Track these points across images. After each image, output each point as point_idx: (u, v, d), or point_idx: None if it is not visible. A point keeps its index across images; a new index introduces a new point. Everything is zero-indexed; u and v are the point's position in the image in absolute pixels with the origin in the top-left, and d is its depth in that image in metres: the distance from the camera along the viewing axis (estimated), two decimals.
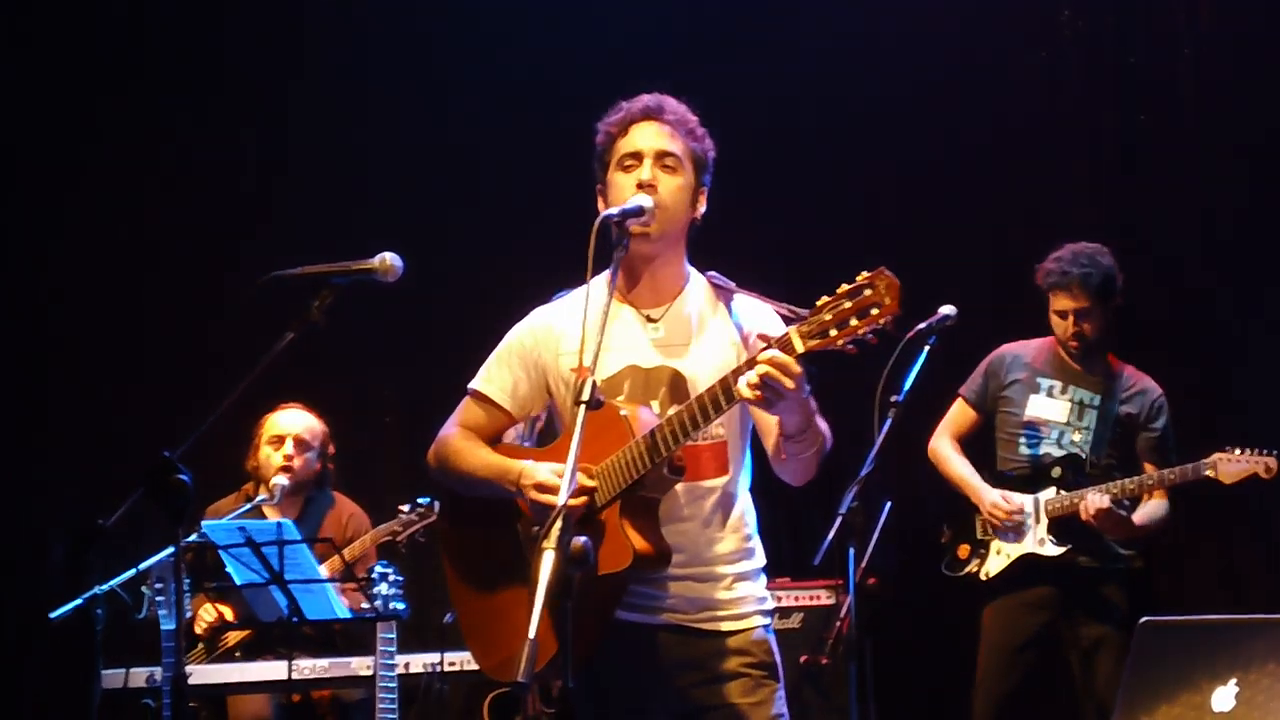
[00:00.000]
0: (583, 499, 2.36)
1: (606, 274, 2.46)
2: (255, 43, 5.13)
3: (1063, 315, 4.05)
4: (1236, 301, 4.62)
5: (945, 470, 4.19)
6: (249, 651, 4.15)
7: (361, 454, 4.88)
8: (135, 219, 5.04)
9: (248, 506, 4.19)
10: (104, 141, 5.06)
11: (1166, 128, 4.78)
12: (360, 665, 3.95)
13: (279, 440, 4.33)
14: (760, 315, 2.53)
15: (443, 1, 5.15)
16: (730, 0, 5.05)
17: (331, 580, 3.92)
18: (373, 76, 5.18)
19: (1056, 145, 4.89)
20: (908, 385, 3.57)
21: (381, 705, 3.77)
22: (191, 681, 3.83)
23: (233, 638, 4.16)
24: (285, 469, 4.27)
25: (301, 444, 4.33)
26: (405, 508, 4.25)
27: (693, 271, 2.61)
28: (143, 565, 3.73)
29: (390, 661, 3.80)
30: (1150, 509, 4.01)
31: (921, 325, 3.67)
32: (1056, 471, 4.03)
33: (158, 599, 3.74)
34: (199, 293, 4.97)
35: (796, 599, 4.43)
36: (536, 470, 2.43)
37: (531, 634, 2.05)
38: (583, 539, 2.12)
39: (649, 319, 2.56)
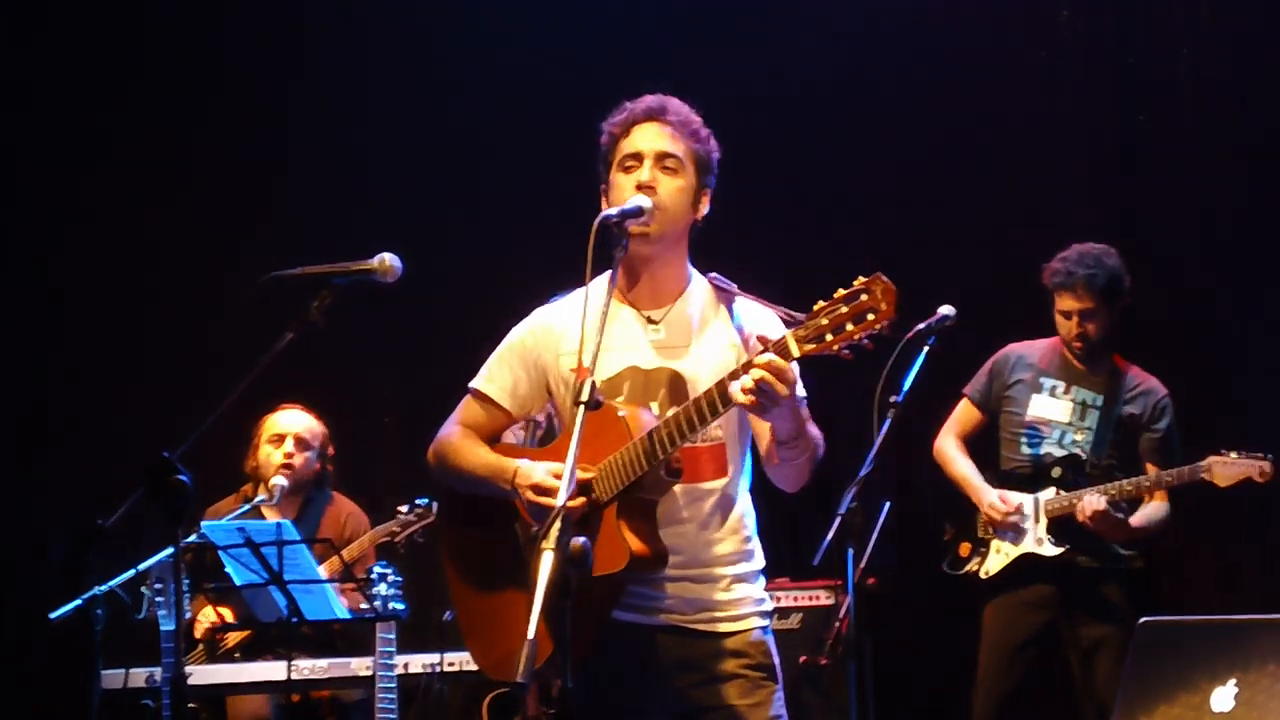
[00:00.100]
0: (580, 500, 2.36)
1: (608, 274, 2.46)
2: (255, 43, 5.13)
3: (1067, 315, 4.06)
4: (1236, 302, 4.61)
5: (948, 470, 4.20)
6: (248, 652, 4.16)
7: (361, 454, 4.88)
8: (135, 219, 5.04)
9: (246, 507, 4.19)
10: (103, 141, 5.06)
11: (1166, 128, 4.78)
12: (359, 666, 3.95)
13: (279, 439, 4.33)
14: (761, 318, 2.54)
15: (443, 1, 5.15)
16: (730, 0, 5.05)
17: (330, 581, 3.92)
18: (373, 76, 5.18)
19: (1056, 145, 4.88)
20: (907, 386, 3.58)
21: (381, 705, 3.77)
22: (191, 682, 3.83)
23: (232, 638, 4.16)
24: (285, 468, 4.27)
25: (301, 443, 4.33)
26: (404, 508, 4.25)
27: (695, 273, 2.61)
28: (142, 566, 3.73)
29: (389, 662, 3.80)
30: (1149, 511, 4.01)
31: (921, 325, 3.67)
32: (1056, 471, 4.03)
33: (157, 599, 3.74)
34: (199, 293, 4.97)
35: (796, 599, 4.43)
36: (533, 471, 2.43)
37: (531, 634, 2.05)
38: (581, 539, 2.12)
39: (649, 320, 2.56)
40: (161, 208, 5.04)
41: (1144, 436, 4.04)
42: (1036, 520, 4.02)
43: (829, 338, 2.22)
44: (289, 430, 4.35)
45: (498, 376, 2.63)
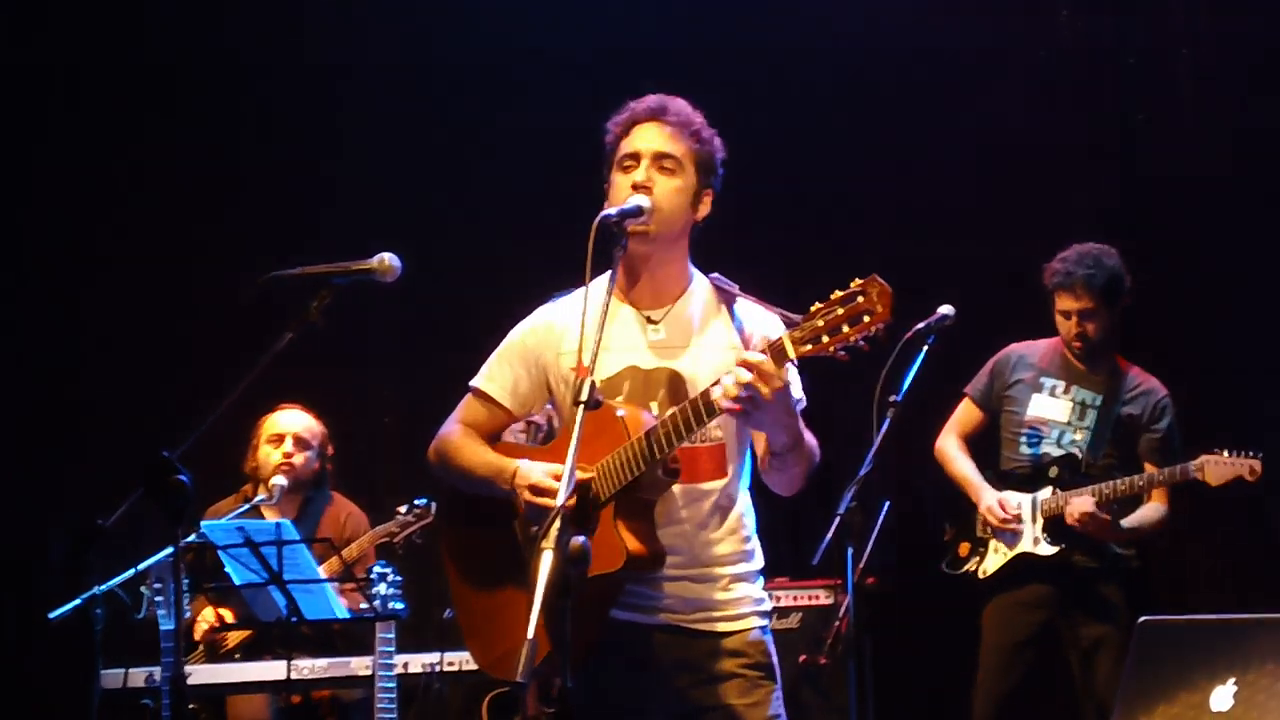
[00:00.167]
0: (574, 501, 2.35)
1: (609, 274, 2.46)
2: (256, 42, 5.13)
3: (1066, 315, 4.06)
4: (1236, 301, 4.61)
5: (949, 469, 4.20)
6: (248, 652, 4.16)
7: (360, 455, 4.88)
8: (135, 219, 5.04)
9: (246, 507, 4.19)
10: (102, 141, 5.06)
11: (1166, 127, 4.78)
12: (359, 665, 3.95)
13: (278, 439, 4.34)
14: (762, 320, 2.53)
15: (444, 1, 5.15)
16: (730, 0, 5.05)
17: (330, 580, 3.92)
18: (373, 77, 5.18)
19: (1056, 144, 4.89)
20: (906, 385, 3.58)
21: (380, 705, 3.77)
22: (191, 682, 3.83)
23: (232, 638, 4.16)
24: (285, 467, 4.27)
25: (301, 442, 4.34)
26: (402, 509, 4.25)
27: (696, 273, 2.61)
28: (142, 565, 3.73)
29: (389, 661, 3.80)
30: (1144, 512, 4.01)
31: (920, 325, 3.67)
32: (1053, 471, 4.04)
33: (157, 599, 3.74)
34: (199, 292, 4.97)
35: (795, 599, 4.43)
36: (531, 471, 2.43)
37: (530, 633, 2.06)
38: (581, 539, 2.13)
39: (649, 320, 2.56)
40: (161, 207, 5.04)
41: (1143, 437, 4.05)
42: (1034, 520, 4.03)
43: (825, 339, 2.22)
44: (288, 430, 4.35)
45: (498, 375, 2.63)
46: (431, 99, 5.11)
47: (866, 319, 2.19)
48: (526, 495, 2.43)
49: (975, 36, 4.90)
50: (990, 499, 4.05)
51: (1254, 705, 2.16)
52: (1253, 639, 2.22)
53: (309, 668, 3.95)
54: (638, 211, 2.47)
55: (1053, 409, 4.09)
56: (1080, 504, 3.91)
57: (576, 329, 2.42)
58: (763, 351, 2.28)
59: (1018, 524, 4.02)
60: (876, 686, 3.53)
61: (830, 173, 4.95)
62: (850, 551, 3.44)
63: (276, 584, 3.71)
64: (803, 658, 4.21)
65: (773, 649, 2.56)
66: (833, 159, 4.94)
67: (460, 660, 3.94)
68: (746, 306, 2.56)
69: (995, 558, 4.09)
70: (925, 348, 3.63)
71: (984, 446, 4.24)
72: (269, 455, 4.32)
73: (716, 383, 2.31)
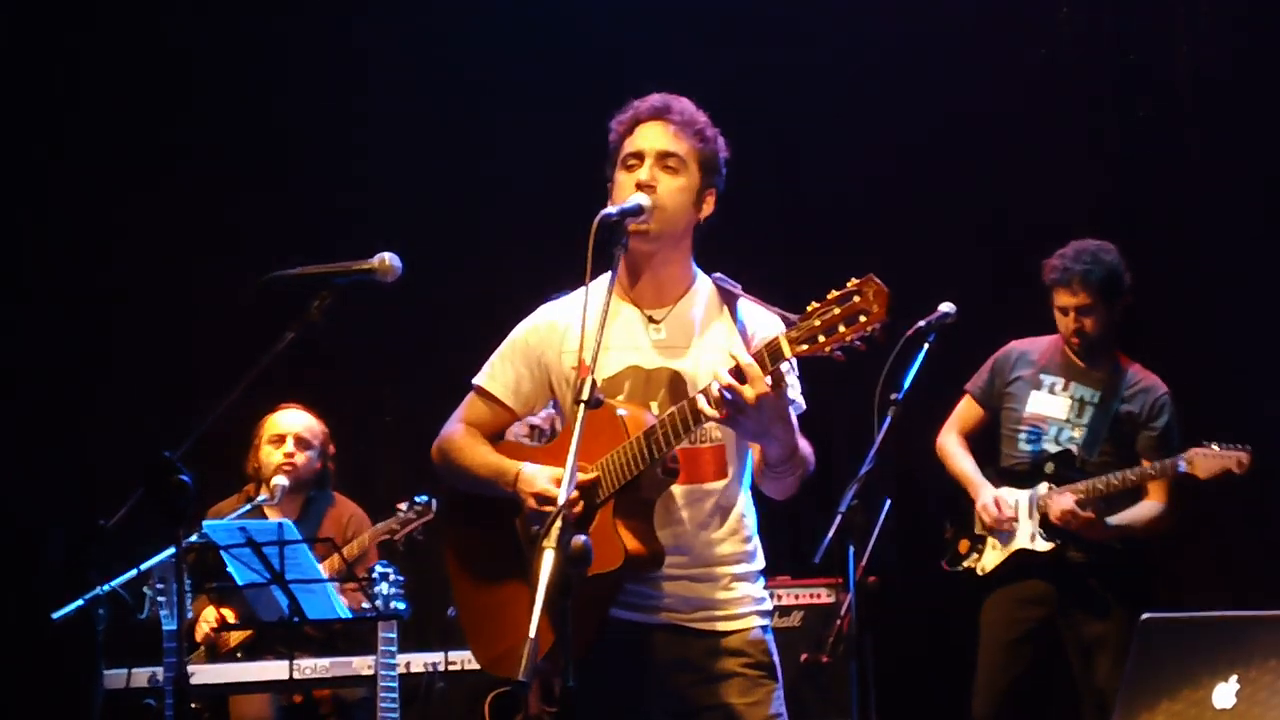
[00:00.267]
0: (580, 505, 2.35)
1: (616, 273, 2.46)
2: (256, 41, 5.13)
3: (1064, 312, 4.07)
4: (1236, 301, 4.61)
5: (949, 466, 4.21)
6: (250, 651, 4.16)
7: (362, 455, 4.88)
8: (136, 218, 5.04)
9: (248, 507, 4.19)
10: (102, 141, 5.06)
11: (1166, 125, 4.77)
12: (361, 665, 3.96)
13: (279, 439, 4.34)
14: (764, 321, 2.53)
15: (445, 1, 5.15)
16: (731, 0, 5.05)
17: (332, 580, 3.92)
18: (374, 76, 5.18)
19: (1057, 143, 4.88)
20: (907, 383, 3.58)
21: (382, 705, 3.78)
22: (193, 681, 3.83)
23: (234, 638, 4.16)
24: (286, 467, 4.28)
25: (302, 442, 4.34)
26: (403, 506, 4.26)
27: (699, 273, 2.61)
28: (144, 566, 3.73)
29: (391, 661, 3.80)
30: (1137, 510, 4.00)
31: (921, 323, 3.67)
32: (1050, 467, 4.04)
33: (159, 599, 3.74)
34: (200, 292, 4.97)
35: (797, 597, 4.43)
36: (535, 478, 2.44)
37: (532, 633, 2.06)
38: (583, 538, 2.13)
39: (651, 319, 2.56)
40: (162, 207, 5.04)
41: (1142, 434, 4.05)
42: (1030, 516, 4.03)
43: (821, 339, 2.22)
44: (289, 430, 4.35)
45: (501, 374, 2.63)
46: (432, 98, 5.10)
47: (862, 319, 2.19)
48: (530, 503, 2.44)
49: (975, 34, 4.90)
50: (986, 497, 4.06)
51: (1256, 702, 2.16)
52: (1255, 636, 2.21)
53: (311, 667, 3.95)
54: (638, 210, 2.47)
55: (1052, 406, 4.10)
56: (1061, 501, 3.92)
57: (578, 328, 2.42)
58: (760, 352, 2.28)
59: (1012, 523, 4.03)
60: (878, 685, 3.53)
61: (830, 171, 4.95)
62: (852, 550, 3.44)
63: (278, 584, 3.71)
64: (804, 656, 4.21)
65: (774, 648, 2.56)
66: (833, 157, 4.94)
67: (462, 660, 3.94)
68: (749, 307, 2.56)
69: (993, 554, 4.10)
70: (926, 346, 3.63)
71: (985, 444, 4.24)
72: (270, 455, 4.33)
73: (704, 390, 2.31)
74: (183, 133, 5.09)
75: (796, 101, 4.98)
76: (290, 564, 3.69)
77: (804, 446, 2.47)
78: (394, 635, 3.80)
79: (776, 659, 2.56)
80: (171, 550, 3.50)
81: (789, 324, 2.30)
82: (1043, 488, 4.03)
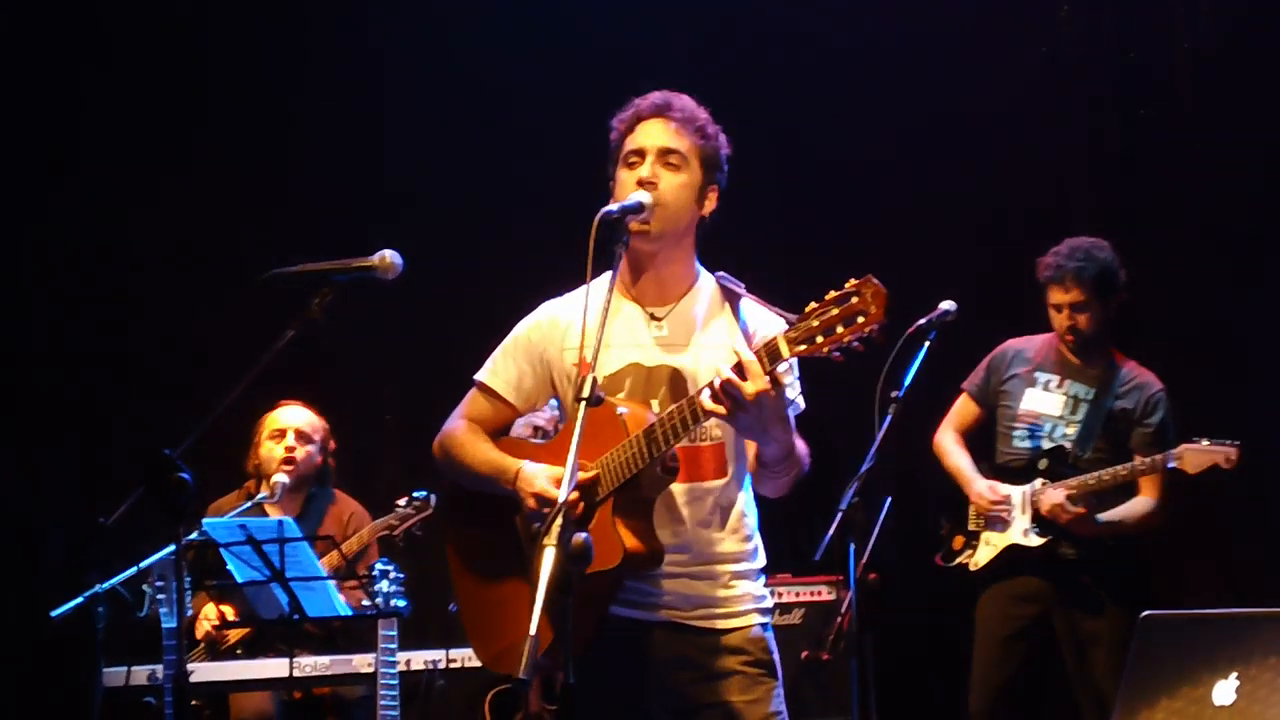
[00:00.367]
0: (580, 504, 2.35)
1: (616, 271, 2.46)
2: (256, 40, 5.13)
3: (1058, 309, 4.08)
4: (1236, 300, 4.61)
5: (945, 463, 4.22)
6: (250, 649, 4.16)
7: (363, 453, 4.88)
8: (135, 216, 5.04)
9: (248, 504, 4.19)
10: (105, 139, 5.06)
11: (1166, 124, 4.77)
12: (361, 662, 3.96)
13: (280, 434, 4.34)
14: (766, 320, 2.53)
15: (446, 2, 5.14)
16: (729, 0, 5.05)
17: (332, 577, 3.92)
18: (374, 75, 5.18)
19: (1056, 143, 4.88)
20: (908, 381, 3.58)
21: (383, 702, 3.78)
22: (193, 679, 3.83)
23: (234, 635, 4.16)
24: (287, 461, 4.28)
25: (303, 436, 4.34)
26: (402, 501, 4.26)
27: (703, 271, 2.61)
28: (144, 563, 3.73)
29: (391, 659, 3.80)
30: (1128, 506, 4.01)
31: (921, 321, 3.68)
32: (1043, 463, 4.05)
33: (159, 597, 3.74)
34: (200, 290, 4.97)
35: (797, 595, 4.43)
36: (535, 478, 2.44)
37: (533, 630, 2.06)
38: (584, 535, 2.13)
39: (653, 317, 2.56)
40: (161, 205, 5.04)
41: (1136, 431, 4.05)
42: (1023, 511, 4.04)
43: (819, 339, 2.22)
44: (290, 425, 4.35)
45: (502, 370, 2.63)
46: (433, 97, 5.10)
47: (860, 320, 2.19)
48: (530, 503, 2.44)
49: (975, 32, 4.90)
50: (980, 485, 4.08)
51: (1256, 699, 2.17)
52: (1255, 633, 2.22)
53: (311, 665, 3.96)
54: (639, 208, 2.47)
55: (1046, 403, 4.10)
56: (1051, 496, 3.93)
57: (580, 325, 2.41)
58: (758, 351, 2.28)
59: (1007, 511, 4.03)
60: (878, 682, 3.53)
61: (830, 169, 4.95)
62: (852, 547, 3.45)
63: (278, 581, 3.71)
64: (805, 654, 4.21)
65: (774, 646, 2.56)
66: (832, 156, 4.94)
67: (463, 657, 3.94)
68: (751, 307, 2.56)
69: (986, 550, 4.10)
70: (927, 344, 3.63)
71: (982, 442, 4.24)
72: (271, 451, 4.33)
73: (708, 385, 2.31)
74: (182, 132, 5.09)
75: (796, 101, 4.98)
76: (290, 561, 3.69)
77: (800, 447, 2.47)
78: (394, 633, 3.80)
79: (776, 657, 2.56)
80: (171, 548, 3.51)
81: (789, 325, 2.31)
82: (1035, 483, 4.04)
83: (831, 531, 3.45)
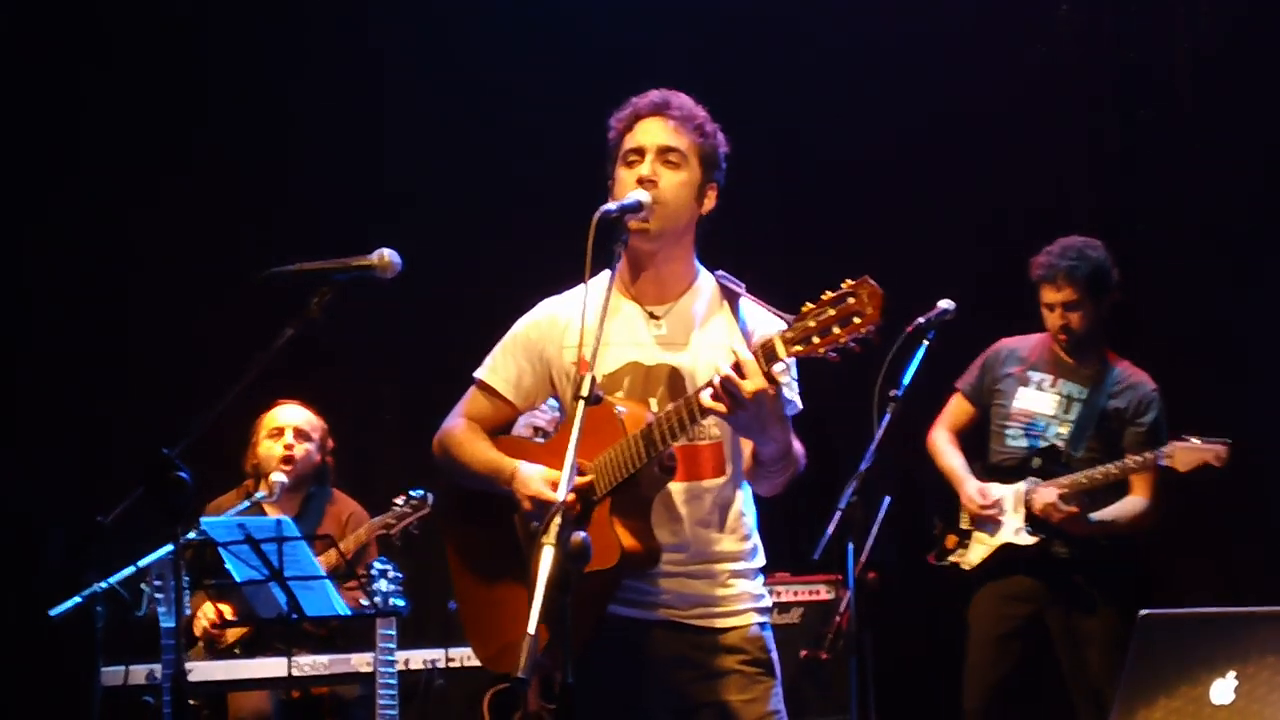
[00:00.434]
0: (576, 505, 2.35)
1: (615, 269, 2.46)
2: (256, 39, 5.12)
3: (1050, 308, 4.09)
4: (1236, 300, 4.60)
5: (938, 462, 4.23)
6: (248, 648, 4.16)
7: (361, 452, 4.88)
8: (134, 215, 5.04)
9: (247, 504, 4.19)
10: (103, 138, 5.05)
11: (1166, 124, 4.77)
12: (360, 662, 3.96)
13: (278, 432, 4.34)
14: (765, 320, 2.53)
15: (446, 2, 5.14)
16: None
17: (330, 576, 3.92)
18: (373, 74, 5.17)
19: (1056, 140, 4.88)
20: (907, 379, 3.58)
21: (381, 702, 3.78)
22: (191, 679, 3.83)
23: (232, 635, 4.16)
24: (286, 460, 4.28)
25: (301, 434, 4.34)
26: (399, 500, 4.26)
27: (702, 270, 2.61)
28: (142, 562, 3.73)
29: (390, 658, 3.80)
30: (1120, 506, 4.01)
31: (920, 320, 3.68)
32: (1036, 462, 4.05)
33: (157, 596, 3.74)
34: (199, 289, 4.97)
35: (796, 594, 4.44)
36: (529, 481, 2.44)
37: (531, 629, 2.06)
38: (582, 534, 2.12)
39: (652, 315, 2.56)
40: (159, 203, 5.04)
41: (1129, 431, 4.05)
42: (1015, 510, 4.04)
43: (815, 340, 2.22)
44: (288, 423, 4.35)
45: (502, 368, 2.63)
46: (433, 96, 5.10)
47: (856, 320, 2.19)
48: (525, 505, 2.44)
49: (975, 31, 4.90)
50: (970, 489, 4.08)
51: (1255, 698, 2.17)
52: (1253, 632, 2.22)
53: (310, 664, 3.95)
54: (637, 207, 2.47)
55: (1040, 402, 4.11)
56: (1043, 495, 3.94)
57: (579, 323, 2.41)
58: (755, 351, 2.28)
59: (998, 513, 4.04)
60: (877, 681, 3.54)
61: (828, 168, 4.95)
62: (851, 546, 3.45)
63: (277, 580, 3.71)
64: (804, 653, 4.21)
65: (772, 645, 2.56)
66: (831, 154, 4.94)
67: (461, 656, 3.94)
68: (751, 307, 2.55)
69: (979, 549, 4.11)
70: (925, 342, 3.63)
71: (976, 440, 4.24)
72: (270, 450, 4.33)
73: (708, 383, 2.31)
74: (181, 132, 5.08)
75: (796, 101, 4.98)
76: (289, 560, 3.69)
77: (796, 447, 2.47)
78: (393, 632, 3.80)
79: (775, 656, 2.56)
80: (170, 547, 3.51)
81: (787, 325, 2.31)
82: (1028, 482, 4.04)
83: (830, 530, 3.45)
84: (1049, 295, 4.06)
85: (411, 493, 4.25)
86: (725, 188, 2.60)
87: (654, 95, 2.58)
